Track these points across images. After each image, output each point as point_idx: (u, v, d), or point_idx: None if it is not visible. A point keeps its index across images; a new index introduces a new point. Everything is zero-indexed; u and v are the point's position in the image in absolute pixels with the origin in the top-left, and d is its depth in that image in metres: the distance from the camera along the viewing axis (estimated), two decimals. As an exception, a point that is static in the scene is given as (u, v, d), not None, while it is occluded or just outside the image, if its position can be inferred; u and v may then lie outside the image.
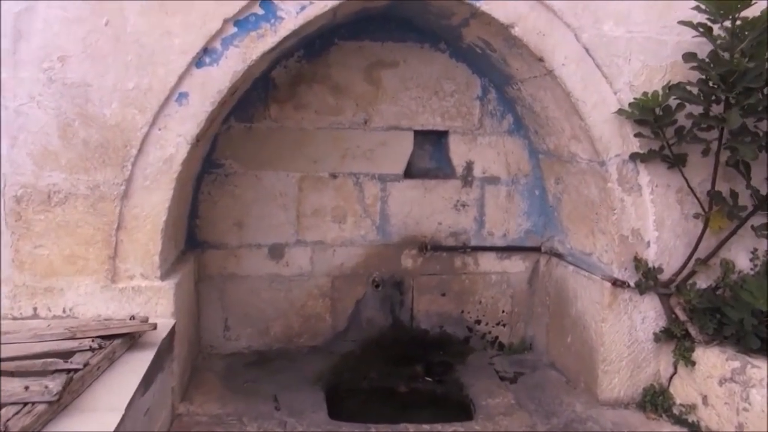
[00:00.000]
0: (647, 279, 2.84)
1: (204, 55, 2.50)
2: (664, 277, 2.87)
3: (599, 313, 2.92)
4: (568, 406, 2.94)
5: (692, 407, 2.74)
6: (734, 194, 2.74)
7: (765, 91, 2.48)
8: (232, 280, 3.39)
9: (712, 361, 2.65)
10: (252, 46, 2.53)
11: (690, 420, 2.74)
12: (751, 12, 2.41)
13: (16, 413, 1.66)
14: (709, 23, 2.49)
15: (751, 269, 2.88)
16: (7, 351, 2.02)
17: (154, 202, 2.56)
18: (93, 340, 2.12)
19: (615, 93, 2.75)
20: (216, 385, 3.03)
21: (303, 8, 2.54)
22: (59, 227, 2.51)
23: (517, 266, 3.67)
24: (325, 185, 3.45)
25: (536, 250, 3.63)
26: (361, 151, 3.45)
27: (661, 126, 2.65)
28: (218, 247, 3.36)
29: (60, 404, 1.78)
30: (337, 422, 2.72)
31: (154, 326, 2.36)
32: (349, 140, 3.43)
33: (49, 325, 2.31)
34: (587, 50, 2.73)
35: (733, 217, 2.74)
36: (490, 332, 3.71)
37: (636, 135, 2.75)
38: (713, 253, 2.83)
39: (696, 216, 2.81)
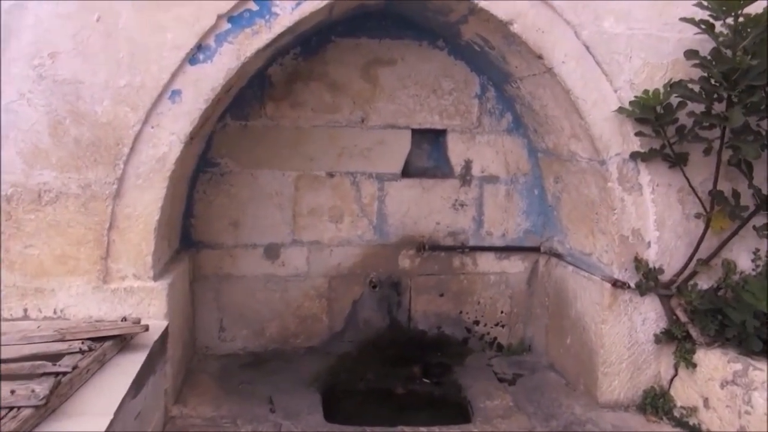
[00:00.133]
0: (648, 280, 2.81)
1: (197, 52, 2.47)
2: (665, 277, 2.84)
3: (599, 314, 2.89)
4: (567, 408, 2.91)
5: (693, 410, 2.71)
6: (736, 194, 2.71)
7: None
8: (227, 280, 3.36)
9: (714, 363, 2.62)
10: (246, 42, 2.50)
11: (691, 423, 2.71)
12: (754, 9, 2.39)
13: (1, 418, 1.62)
14: (711, 20, 2.47)
15: (753, 270, 2.85)
16: (-5, 353, 1.99)
17: (146, 201, 2.53)
18: (83, 342, 2.09)
19: (615, 91, 2.72)
20: (210, 386, 2.99)
21: (298, 4, 2.51)
22: (50, 227, 2.48)
23: (515, 266, 3.64)
24: (321, 184, 3.41)
25: (535, 250, 3.59)
26: (358, 149, 3.42)
27: (662, 124, 2.62)
28: (213, 247, 3.33)
29: (47, 408, 1.74)
30: (332, 425, 2.70)
31: (146, 328, 2.33)
32: (346, 139, 3.40)
33: (38, 327, 2.28)
34: (587, 47, 2.70)
35: (734, 217, 2.72)
36: (488, 333, 3.67)
37: (637, 134, 2.73)
38: (715, 253, 2.81)
39: (697, 216, 2.79)
